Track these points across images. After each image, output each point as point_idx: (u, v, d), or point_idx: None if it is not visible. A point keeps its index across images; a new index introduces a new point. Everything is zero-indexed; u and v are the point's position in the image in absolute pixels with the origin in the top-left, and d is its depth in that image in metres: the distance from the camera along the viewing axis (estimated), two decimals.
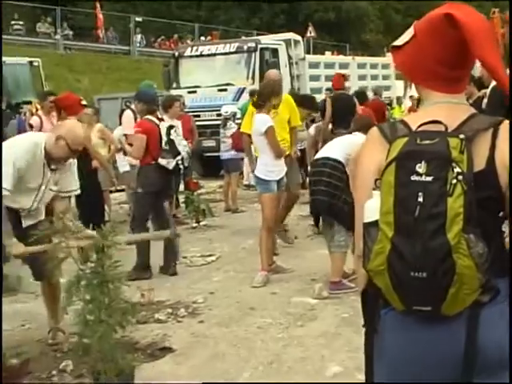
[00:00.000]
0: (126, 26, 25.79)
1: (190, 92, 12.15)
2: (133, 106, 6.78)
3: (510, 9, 11.41)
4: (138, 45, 25.52)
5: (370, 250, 1.31)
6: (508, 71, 1.60)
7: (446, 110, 1.38)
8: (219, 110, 9.62)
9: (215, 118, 11.07)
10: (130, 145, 5.97)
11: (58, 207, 3.45)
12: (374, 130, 1.45)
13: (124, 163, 7.20)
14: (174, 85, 12.94)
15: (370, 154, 1.42)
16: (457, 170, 1.25)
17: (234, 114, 8.91)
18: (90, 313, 2.79)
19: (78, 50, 23.88)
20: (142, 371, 3.13)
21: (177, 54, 13.53)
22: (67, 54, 23.17)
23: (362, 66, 16.74)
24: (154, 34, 26.93)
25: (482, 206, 1.27)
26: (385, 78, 17.17)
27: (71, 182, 3.57)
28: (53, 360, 3.39)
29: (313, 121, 8.07)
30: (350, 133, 4.68)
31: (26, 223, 3.47)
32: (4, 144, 3.35)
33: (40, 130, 6.12)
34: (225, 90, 12.25)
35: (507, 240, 1.35)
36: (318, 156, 4.74)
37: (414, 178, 1.26)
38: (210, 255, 5.81)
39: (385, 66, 17.11)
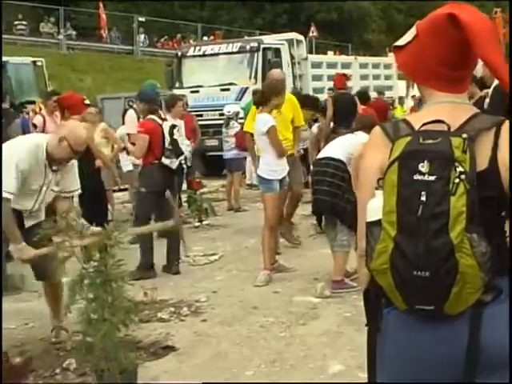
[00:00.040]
0: (129, 26, 25.81)
1: (192, 91, 12.16)
2: (135, 106, 6.80)
3: (510, 9, 11.39)
4: (140, 45, 25.55)
5: (372, 249, 1.31)
6: None
7: (449, 109, 1.38)
8: (222, 110, 9.63)
9: (218, 117, 11.09)
10: (133, 144, 5.99)
11: (61, 207, 3.46)
12: (377, 130, 1.45)
13: (127, 162, 7.22)
14: (177, 84, 12.96)
15: (373, 153, 1.42)
16: (459, 169, 1.25)
17: (237, 114, 8.92)
18: (94, 311, 2.80)
19: (81, 49, 23.92)
20: (144, 370, 3.14)
21: (180, 53, 13.56)
22: (70, 53, 23.21)
23: (364, 65, 16.73)
24: (156, 34, 26.97)
25: (484, 206, 1.27)
26: (387, 77, 17.16)
27: (73, 182, 3.58)
28: (56, 358, 3.40)
29: (316, 120, 8.08)
30: (352, 132, 4.69)
31: (27, 224, 3.49)
32: (5, 145, 3.36)
33: (43, 130, 6.14)
34: (227, 89, 12.27)
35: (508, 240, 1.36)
36: (320, 156, 4.75)
37: (416, 177, 1.26)
38: (213, 254, 5.82)
39: (387, 66, 17.10)
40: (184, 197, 7.37)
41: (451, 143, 1.28)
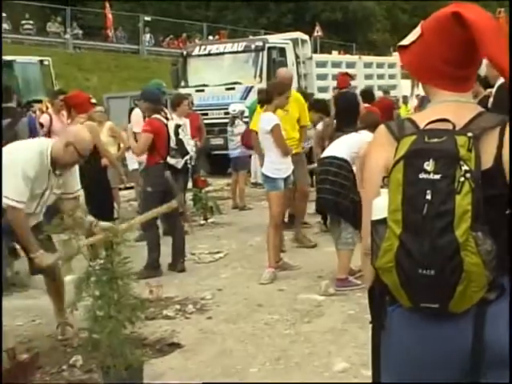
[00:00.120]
0: (134, 26, 25.87)
1: (198, 91, 12.18)
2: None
3: (510, 9, 11.34)
4: (146, 44, 25.60)
5: (378, 247, 1.32)
6: None
7: (454, 108, 1.39)
8: (227, 109, 9.65)
9: (223, 116, 11.11)
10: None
11: (66, 206, 3.49)
12: (382, 128, 1.45)
13: (133, 161, 7.25)
14: (183, 83, 12.97)
15: (378, 152, 1.43)
16: (464, 167, 1.25)
17: (242, 113, 8.94)
18: (100, 309, 2.82)
19: (87, 49, 23.99)
20: (150, 366, 3.16)
21: (185, 53, 13.57)
22: (77, 53, 23.27)
23: (368, 65, 16.69)
24: (162, 34, 27.01)
25: (489, 204, 1.27)
26: (391, 77, 17.11)
27: (73, 184, 3.61)
28: (63, 355, 3.43)
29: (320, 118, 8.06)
30: (357, 131, 4.69)
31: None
32: (5, 149, 3.34)
33: (50, 129, 6.17)
34: (233, 88, 12.28)
35: None
36: (324, 154, 4.75)
37: (422, 175, 1.27)
38: (218, 252, 5.84)
39: (391, 66, 17.05)
40: (189, 195, 7.40)
41: (456, 142, 1.28)
